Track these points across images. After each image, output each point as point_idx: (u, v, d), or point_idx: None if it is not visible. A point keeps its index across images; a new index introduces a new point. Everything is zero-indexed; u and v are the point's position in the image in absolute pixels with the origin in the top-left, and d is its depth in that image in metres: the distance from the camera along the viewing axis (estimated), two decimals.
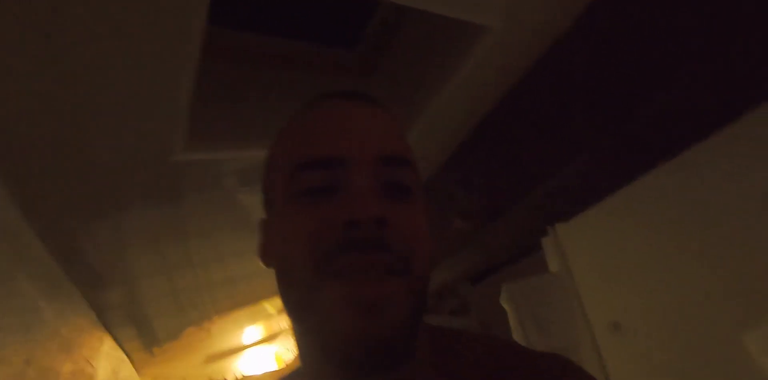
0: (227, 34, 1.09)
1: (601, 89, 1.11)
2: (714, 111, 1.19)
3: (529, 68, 1.19)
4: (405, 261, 0.32)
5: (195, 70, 0.76)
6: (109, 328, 1.76)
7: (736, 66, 0.97)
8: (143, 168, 1.01)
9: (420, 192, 0.38)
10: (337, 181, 0.34)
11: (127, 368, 2.22)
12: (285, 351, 3.59)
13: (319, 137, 0.36)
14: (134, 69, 0.73)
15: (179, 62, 0.73)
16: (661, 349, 1.38)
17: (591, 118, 1.16)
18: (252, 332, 3.18)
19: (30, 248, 1.01)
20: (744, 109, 1.18)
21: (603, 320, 1.56)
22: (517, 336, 1.76)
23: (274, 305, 2.91)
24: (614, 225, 1.56)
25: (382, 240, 0.31)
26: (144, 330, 1.90)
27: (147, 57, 0.71)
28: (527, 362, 0.36)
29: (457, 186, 1.58)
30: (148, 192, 1.13)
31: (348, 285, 0.30)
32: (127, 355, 2.16)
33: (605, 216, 1.60)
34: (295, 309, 0.34)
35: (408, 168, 0.36)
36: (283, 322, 3.18)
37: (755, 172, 1.19)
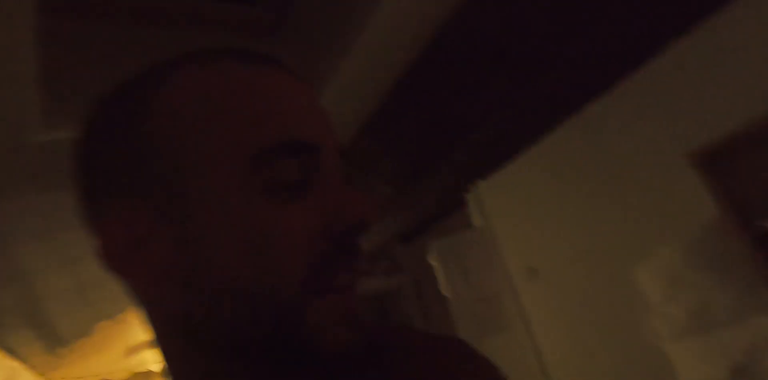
0: None
1: (513, 46, 1.12)
2: (614, 64, 1.27)
3: (443, 25, 1.16)
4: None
5: (33, 28, 0.60)
6: None
7: (633, 22, 1.04)
8: (7, 152, 0.84)
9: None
10: (307, 174, 0.28)
11: (24, 375, 1.99)
12: None
13: (286, 116, 0.28)
14: None
15: (12, 20, 0.58)
16: (572, 289, 1.55)
17: (505, 76, 1.19)
18: None
19: None
20: (641, 61, 1.28)
21: (521, 267, 1.71)
22: (445, 289, 1.86)
23: None
24: (529, 179, 1.67)
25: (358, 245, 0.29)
26: (44, 332, 1.70)
27: None
28: (423, 347, 0.35)
29: (378, 150, 1.56)
30: (25, 178, 0.95)
31: (342, 301, 0.27)
32: (24, 362, 1.93)
33: (521, 171, 1.70)
34: (265, 326, 0.26)
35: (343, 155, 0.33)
36: None
37: (649, 126, 1.32)
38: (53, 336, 1.75)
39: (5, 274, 1.25)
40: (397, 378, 0.32)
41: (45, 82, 0.71)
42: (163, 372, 0.31)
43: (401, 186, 1.62)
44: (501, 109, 1.29)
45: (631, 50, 1.21)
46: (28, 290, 1.39)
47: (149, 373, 3.06)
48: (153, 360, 3.20)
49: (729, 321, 1.12)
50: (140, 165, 0.28)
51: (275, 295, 0.26)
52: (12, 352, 1.73)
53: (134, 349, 2.98)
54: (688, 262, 1.20)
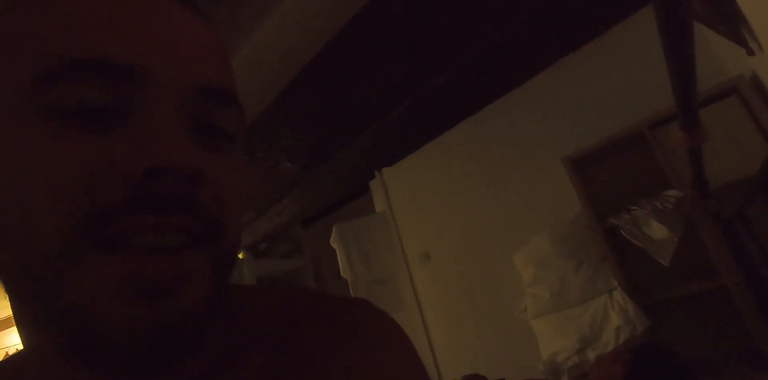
0: None
1: (420, 40, 1.16)
2: (509, 71, 1.38)
3: (359, 9, 1.15)
4: (215, 229, 0.23)
5: None
6: None
7: (528, 32, 1.12)
8: None
9: (242, 140, 0.27)
10: (124, 103, 0.22)
11: None
12: None
13: (100, 26, 0.22)
14: None
15: None
16: (459, 271, 1.67)
17: (413, 65, 1.21)
18: None
19: None
20: (535, 71, 1.40)
21: (416, 251, 1.80)
22: (344, 272, 1.89)
23: None
24: (430, 169, 1.75)
25: (190, 198, 0.22)
26: None
27: None
28: (327, 309, 0.34)
29: (285, 126, 1.51)
30: None
31: (128, 260, 0.20)
32: None
33: (423, 161, 1.78)
34: (23, 283, 0.22)
35: (234, 107, 0.26)
36: None
37: (533, 130, 1.46)
38: None
39: None
40: (297, 338, 0.30)
41: None
42: None
43: (306, 166, 1.60)
44: (409, 96, 1.32)
45: (530, 56, 1.32)
46: None
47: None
48: (7, 343, 2.81)
49: (580, 299, 1.30)
50: None
51: (35, 243, 0.21)
52: None
53: None
54: (554, 250, 1.37)
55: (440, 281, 1.73)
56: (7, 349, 2.80)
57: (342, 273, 1.90)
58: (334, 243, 1.89)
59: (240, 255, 2.10)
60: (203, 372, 0.26)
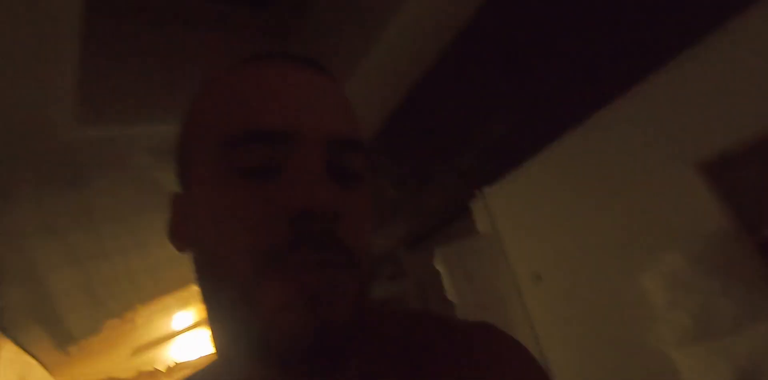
0: None
1: (522, 53, 1.14)
2: (621, 74, 1.29)
3: (454, 35, 1.19)
4: (353, 257, 0.29)
5: (77, 31, 0.63)
6: (10, 332, 1.56)
7: (643, 31, 1.05)
8: (31, 149, 0.86)
9: (368, 179, 0.33)
10: (280, 160, 0.29)
11: (37, 372, 2.01)
12: None
13: (260, 104, 0.30)
14: (2, 33, 0.60)
15: (58, 23, 0.61)
16: (576, 293, 1.54)
17: (514, 83, 1.20)
18: (183, 317, 3.03)
19: None
20: (648, 72, 1.29)
21: (526, 272, 1.71)
22: (451, 295, 1.87)
23: None
24: (535, 186, 1.68)
25: (333, 236, 0.28)
26: (54, 329, 1.72)
27: (15, 14, 0.58)
28: (455, 333, 0.35)
29: (386, 155, 1.58)
30: (42, 176, 0.98)
31: (295, 281, 0.27)
32: (36, 358, 1.95)
33: (526, 178, 1.71)
34: (226, 303, 0.29)
35: (360, 152, 0.32)
36: None
37: (653, 135, 1.33)
38: (63, 333, 1.77)
39: (19, 271, 1.28)
40: (430, 363, 0.33)
41: (81, 81, 0.73)
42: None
43: (408, 191, 1.64)
44: (509, 115, 1.30)
45: (641, 59, 1.23)
46: (40, 287, 1.41)
47: (155, 372, 3.07)
48: (159, 359, 3.21)
49: (733, 327, 1.12)
50: (177, 152, 0.35)
51: (229, 271, 0.28)
52: (25, 348, 1.76)
53: (141, 349, 2.99)
54: (693, 269, 1.20)
55: (555, 304, 1.62)
56: (167, 363, 3.21)
57: (448, 297, 1.88)
58: (438, 265, 1.89)
59: None
60: None
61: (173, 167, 0.35)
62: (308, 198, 0.27)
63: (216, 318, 0.31)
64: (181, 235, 0.34)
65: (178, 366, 3.17)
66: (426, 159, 1.54)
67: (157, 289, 1.93)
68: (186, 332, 3.28)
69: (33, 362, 1.96)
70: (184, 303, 2.69)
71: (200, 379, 0.35)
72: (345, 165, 0.31)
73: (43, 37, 0.64)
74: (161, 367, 3.13)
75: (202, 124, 0.32)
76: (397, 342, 0.34)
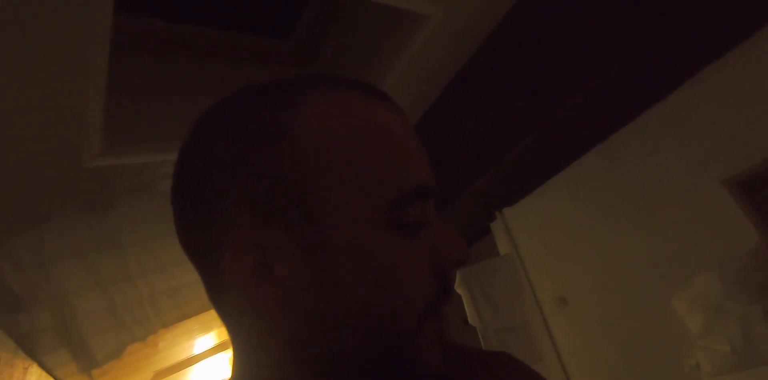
0: (151, 24, 1.00)
1: (536, 75, 1.15)
2: (638, 95, 1.28)
3: (470, 55, 1.20)
4: None
5: (105, 64, 0.67)
6: (36, 355, 1.59)
7: (661, 48, 1.04)
8: (58, 177, 0.90)
9: None
10: (428, 214, 0.30)
11: None
12: None
13: (416, 158, 0.30)
14: (33, 66, 0.64)
15: (86, 55, 0.65)
16: (603, 318, 1.48)
17: (531, 103, 1.20)
18: (204, 342, 3.04)
19: None
20: (670, 89, 1.27)
21: (550, 296, 1.65)
22: (471, 319, 1.81)
23: None
24: (557, 206, 1.65)
25: None
26: (79, 352, 1.74)
27: (48, 52, 0.62)
28: (472, 362, 0.36)
29: None
30: (69, 202, 1.02)
31: (438, 330, 0.30)
32: None
33: (547, 198, 1.68)
34: (381, 355, 0.28)
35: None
36: None
37: (679, 152, 1.30)
38: (87, 356, 1.79)
39: (46, 295, 1.31)
40: None
41: (106, 112, 0.77)
42: None
43: None
44: (527, 135, 1.30)
45: (665, 75, 1.22)
46: (66, 311, 1.44)
47: None
48: None
49: None
50: (274, 187, 0.27)
51: (397, 326, 0.28)
52: (50, 372, 1.78)
53: (162, 372, 3.00)
54: (729, 292, 1.14)
55: (582, 329, 1.55)
56: None
57: (469, 321, 1.83)
58: (458, 288, 1.85)
59: None
60: None
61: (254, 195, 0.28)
62: (464, 252, 0.30)
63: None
64: (264, 283, 0.28)
65: None
66: (445, 180, 1.54)
67: (179, 313, 1.94)
68: (207, 356, 3.27)
69: None
70: (205, 328, 2.70)
71: None
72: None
73: (73, 71, 0.68)
74: None
75: (349, 163, 0.28)
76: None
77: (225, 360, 3.63)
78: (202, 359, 3.28)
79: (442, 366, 0.30)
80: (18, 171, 0.84)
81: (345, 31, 1.15)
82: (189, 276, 1.66)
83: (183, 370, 3.31)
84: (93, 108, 0.74)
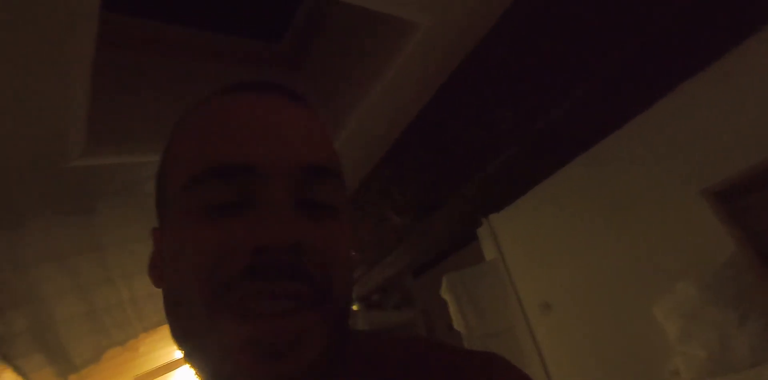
0: (138, 23, 0.99)
1: (526, 81, 1.16)
2: (625, 102, 1.30)
3: (458, 63, 1.21)
4: (322, 292, 0.27)
5: (89, 62, 0.66)
6: (10, 359, 1.54)
7: (645, 59, 1.07)
8: (38, 177, 0.88)
9: (344, 208, 0.32)
10: (245, 194, 0.28)
11: None
12: None
13: (224, 139, 0.29)
14: (15, 61, 0.63)
15: (71, 53, 0.64)
16: (586, 324, 1.50)
17: (518, 110, 1.22)
18: None
19: None
20: (652, 100, 1.30)
21: (534, 301, 1.67)
22: (457, 324, 1.82)
23: None
24: (542, 213, 1.67)
25: (296, 267, 0.26)
26: (56, 357, 1.70)
27: (31, 48, 0.61)
28: (454, 361, 0.33)
29: (391, 182, 1.59)
30: (48, 202, 1.00)
31: (248, 324, 0.25)
32: None
33: (533, 205, 1.70)
34: (185, 345, 0.29)
35: (333, 181, 0.31)
36: None
37: (661, 163, 1.32)
38: (65, 361, 1.75)
39: (23, 298, 1.28)
40: None
41: (90, 111, 0.76)
42: None
43: (414, 218, 1.64)
44: (513, 142, 1.31)
45: (644, 86, 1.24)
46: (41, 314, 1.41)
47: None
48: None
49: (751, 360, 1.07)
50: (156, 188, 0.35)
51: (187, 306, 0.28)
52: (25, 377, 1.73)
53: (142, 378, 2.93)
54: (707, 299, 1.17)
55: (565, 334, 1.57)
56: None
57: (455, 326, 1.83)
58: (444, 294, 1.85)
59: (354, 307, 2.14)
60: None
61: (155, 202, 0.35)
62: (265, 233, 0.26)
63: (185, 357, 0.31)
64: (155, 271, 0.33)
65: None
66: (431, 186, 1.55)
67: (161, 317, 1.91)
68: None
69: None
70: None
71: None
72: (316, 195, 0.29)
73: (56, 69, 0.67)
74: None
75: (170, 160, 0.32)
76: (392, 366, 0.33)
77: None
78: (183, 364, 3.22)
79: (256, 369, 0.25)
80: None
81: (335, 35, 1.15)
82: None
83: (164, 375, 3.24)
84: (76, 106, 0.72)
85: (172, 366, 3.12)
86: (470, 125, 1.32)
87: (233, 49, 1.15)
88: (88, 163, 0.87)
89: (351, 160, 1.35)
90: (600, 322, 1.47)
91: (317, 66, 1.24)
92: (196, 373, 0.30)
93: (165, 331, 2.18)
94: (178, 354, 3.24)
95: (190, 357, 0.29)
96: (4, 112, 0.71)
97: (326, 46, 1.18)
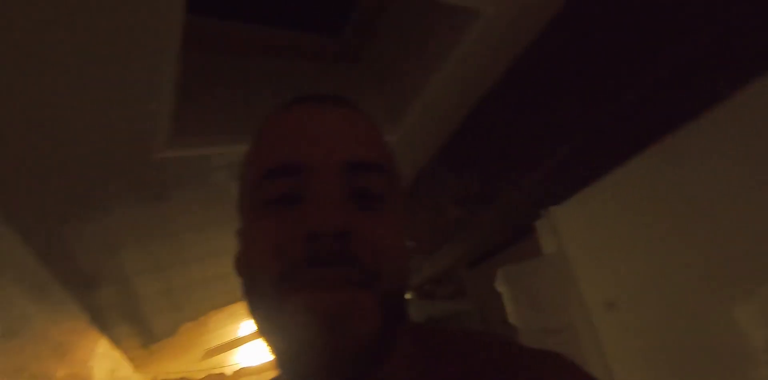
0: (207, 23, 1.04)
1: (591, 71, 1.09)
2: (703, 90, 1.19)
3: (521, 52, 1.16)
4: (372, 275, 0.30)
5: (176, 61, 0.71)
6: (105, 329, 1.73)
7: (720, 47, 0.96)
8: (125, 167, 0.97)
9: (395, 199, 0.35)
10: (301, 188, 0.32)
11: (125, 367, 2.21)
12: None
13: (283, 143, 0.34)
14: (110, 63, 0.69)
15: (160, 55, 0.69)
16: (656, 326, 1.41)
17: (582, 100, 1.15)
18: (249, 325, 3.19)
19: (13, 252, 0.97)
20: (731, 89, 1.18)
21: (598, 299, 1.59)
22: (512, 318, 1.78)
23: None
24: (608, 207, 1.57)
25: (345, 253, 0.29)
26: (140, 328, 1.89)
27: (125, 50, 0.67)
28: (521, 360, 0.34)
29: (449, 173, 1.57)
30: (132, 190, 1.09)
31: (310, 296, 0.28)
32: (125, 354, 2.15)
33: (599, 197, 1.61)
34: (260, 321, 0.33)
35: (379, 174, 0.34)
36: None
37: (745, 152, 1.19)
38: (147, 332, 1.94)
39: (112, 275, 1.43)
40: None
41: (175, 107, 0.83)
42: None
43: (470, 209, 1.61)
44: (580, 131, 1.25)
45: (724, 73, 1.12)
46: (129, 290, 1.56)
47: (222, 376, 3.24)
48: (226, 363, 3.39)
49: None
50: (240, 185, 0.39)
51: (259, 287, 0.32)
52: (116, 344, 1.94)
53: (211, 352, 3.18)
54: None
55: (632, 336, 1.49)
56: (232, 367, 3.40)
57: (510, 319, 1.80)
58: (499, 286, 1.82)
59: (407, 296, 2.17)
60: None
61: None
62: (315, 222, 0.29)
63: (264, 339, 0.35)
64: (238, 263, 0.38)
65: (243, 371, 3.32)
66: (490, 177, 1.51)
67: (228, 297, 2.05)
68: (251, 339, 3.43)
69: (121, 357, 2.16)
70: None
71: None
72: (364, 188, 0.33)
73: (146, 71, 0.73)
74: (228, 371, 3.30)
75: (246, 166, 0.38)
76: (455, 362, 0.34)
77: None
78: (246, 342, 3.45)
79: (323, 346, 0.28)
80: (89, 160, 0.91)
81: (394, 27, 1.15)
82: None
83: (230, 351, 3.48)
84: (163, 103, 0.79)
85: (237, 342, 3.35)
86: (532, 114, 1.26)
87: (296, 44, 1.18)
88: (170, 154, 0.95)
89: (409, 151, 1.35)
90: (672, 325, 1.37)
91: (376, 58, 1.24)
92: (270, 349, 0.34)
93: (231, 310, 2.34)
94: (242, 332, 3.47)
95: (264, 334, 0.32)
96: (100, 111, 0.78)
97: (385, 37, 1.17)
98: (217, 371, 3.25)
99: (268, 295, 0.30)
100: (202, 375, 3.17)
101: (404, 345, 0.34)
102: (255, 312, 0.33)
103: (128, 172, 1.01)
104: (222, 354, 3.35)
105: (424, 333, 0.37)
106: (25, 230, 1.00)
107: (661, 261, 1.40)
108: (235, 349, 3.44)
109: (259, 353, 3.70)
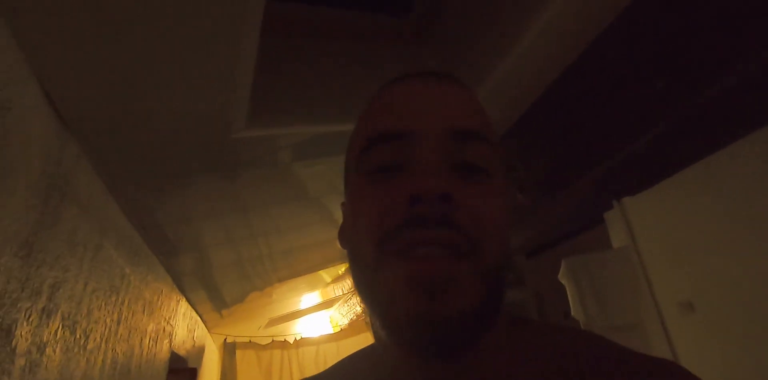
0: (280, 7, 1.07)
1: (675, 57, 0.99)
2: None
3: (597, 35, 1.07)
4: (473, 243, 0.29)
5: (255, 46, 0.74)
6: (184, 292, 1.91)
7: None
8: (207, 146, 1.04)
9: (498, 172, 0.34)
10: (404, 156, 0.32)
11: (200, 327, 2.43)
12: (339, 316, 3.78)
13: (387, 112, 0.35)
14: (195, 47, 0.73)
15: (240, 38, 0.72)
16: (741, 332, 1.28)
17: (666, 88, 1.05)
18: (309, 298, 3.36)
19: (114, 220, 1.09)
20: None
21: (673, 299, 1.48)
22: (575, 312, 1.71)
23: (330, 274, 3.04)
24: (687, 200, 1.44)
25: (447, 216, 0.29)
26: (214, 294, 2.06)
27: (208, 34, 0.71)
28: (631, 366, 0.31)
29: (516, 158, 1.51)
30: (207, 168, 1.17)
31: (410, 264, 0.28)
32: (200, 316, 2.36)
33: (678, 190, 1.47)
34: (362, 289, 0.33)
35: (482, 143, 0.33)
36: (338, 290, 3.33)
37: None
38: (219, 299, 2.11)
39: (190, 245, 1.56)
40: None
41: (253, 90, 0.87)
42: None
43: (537, 196, 1.55)
44: (664, 119, 1.14)
45: None
46: (203, 260, 1.70)
47: (285, 342, 3.47)
48: (288, 332, 3.62)
49: None
50: (346, 159, 0.41)
51: (362, 257, 0.32)
52: (193, 307, 2.14)
53: (275, 320, 3.41)
54: None
55: (711, 341, 1.37)
56: (294, 336, 3.61)
57: (573, 313, 1.73)
58: (563, 278, 1.75)
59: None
60: None
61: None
62: (418, 184, 0.29)
63: (365, 308, 0.36)
64: (342, 236, 0.39)
65: (303, 341, 3.53)
66: (560, 163, 1.44)
67: (291, 271, 2.17)
68: (310, 311, 3.62)
69: (198, 319, 2.37)
70: (311, 286, 2.98)
71: (359, 358, 0.42)
72: (467, 158, 0.32)
73: (229, 58, 0.77)
74: (290, 339, 3.52)
75: (352, 137, 0.39)
76: (560, 359, 0.32)
77: (326, 317, 3.97)
78: (306, 313, 3.64)
79: (422, 315, 0.27)
80: (180, 139, 0.99)
81: (463, 6, 1.10)
82: (302, 241, 1.83)
83: (291, 321, 3.70)
84: (242, 85, 0.83)
85: (298, 314, 3.55)
86: (611, 99, 1.17)
87: (365, 25, 1.17)
88: (247, 135, 1.00)
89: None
90: (756, 332, 1.25)
91: (445, 39, 1.20)
92: (370, 316, 0.34)
93: (293, 283, 2.47)
94: (303, 304, 3.65)
95: (365, 301, 0.33)
96: (191, 96, 0.84)
97: (454, 18, 1.13)
98: (280, 338, 3.47)
99: (369, 264, 0.31)
100: (268, 341, 3.41)
101: (500, 329, 0.33)
102: (357, 282, 0.34)
103: (209, 150, 1.08)
104: (284, 324, 3.57)
105: (516, 321, 0.37)
106: (124, 201, 1.11)
107: (748, 263, 1.26)
108: (295, 320, 3.65)
109: (317, 325, 3.90)
